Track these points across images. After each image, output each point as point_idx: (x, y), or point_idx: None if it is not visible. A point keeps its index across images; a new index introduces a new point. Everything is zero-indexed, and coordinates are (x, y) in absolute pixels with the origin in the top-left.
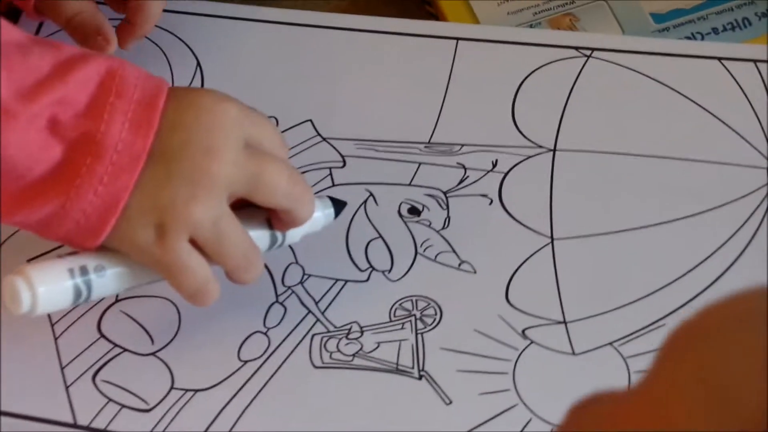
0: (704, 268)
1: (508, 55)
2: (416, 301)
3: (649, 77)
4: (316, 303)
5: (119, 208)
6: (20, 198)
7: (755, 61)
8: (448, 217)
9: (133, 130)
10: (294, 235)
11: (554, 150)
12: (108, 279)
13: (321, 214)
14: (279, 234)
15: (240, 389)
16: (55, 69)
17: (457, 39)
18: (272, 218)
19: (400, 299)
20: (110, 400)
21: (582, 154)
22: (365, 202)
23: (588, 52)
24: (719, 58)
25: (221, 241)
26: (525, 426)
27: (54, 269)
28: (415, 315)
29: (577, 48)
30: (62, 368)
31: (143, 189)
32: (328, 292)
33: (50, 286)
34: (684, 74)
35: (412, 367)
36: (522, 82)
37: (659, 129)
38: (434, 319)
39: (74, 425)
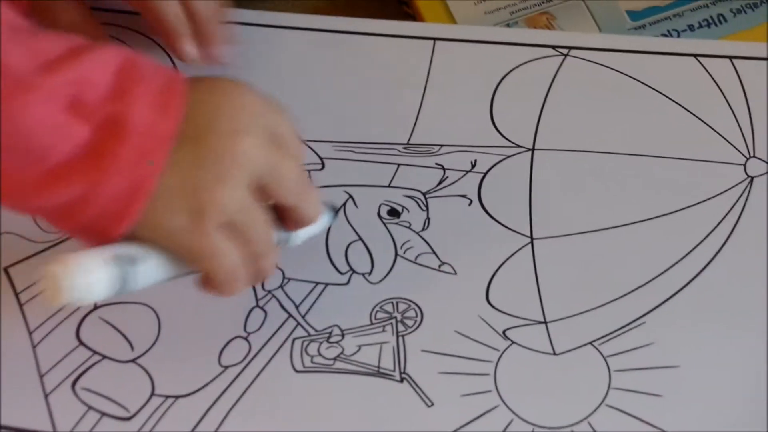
0: (683, 265)
1: (486, 55)
2: (397, 303)
3: (626, 75)
4: (297, 307)
5: (146, 192)
6: (42, 182)
7: (731, 58)
8: (428, 218)
9: (157, 113)
10: (298, 237)
11: (533, 149)
12: (144, 270)
13: (325, 217)
14: (285, 234)
15: (221, 395)
16: (69, 51)
17: (434, 39)
18: (282, 217)
19: (381, 302)
20: (90, 407)
21: (560, 153)
22: (345, 204)
23: (565, 51)
24: (695, 55)
25: (249, 225)
26: (507, 427)
27: (94, 258)
28: (396, 317)
29: (554, 47)
30: (41, 377)
31: (175, 172)
32: (308, 295)
33: (91, 276)
34: (661, 71)
35: (393, 370)
36: (500, 82)
37: (636, 127)
38: (415, 321)
39: None
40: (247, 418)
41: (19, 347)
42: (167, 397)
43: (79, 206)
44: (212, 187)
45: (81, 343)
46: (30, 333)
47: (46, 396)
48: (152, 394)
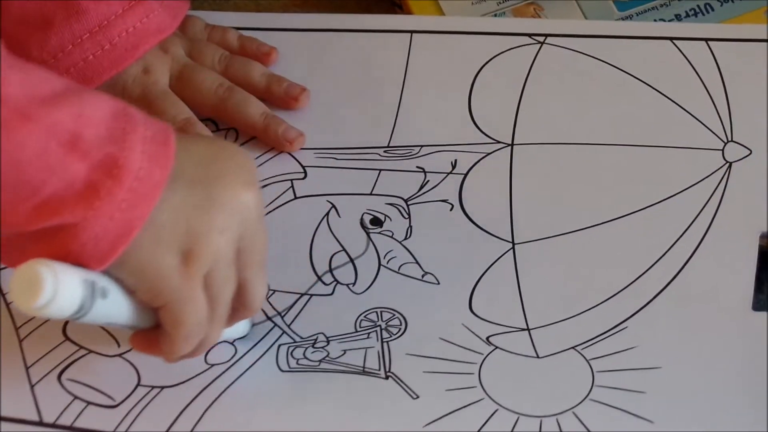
0: (664, 263)
1: (463, 46)
2: (381, 312)
3: (602, 61)
4: (282, 317)
5: (131, 237)
6: (31, 214)
7: (707, 40)
8: (410, 226)
9: (151, 160)
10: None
11: (512, 144)
12: (105, 306)
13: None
14: None
15: (207, 386)
16: (67, 89)
17: (411, 32)
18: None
19: (365, 311)
20: (76, 397)
21: (539, 147)
22: (327, 214)
23: (541, 39)
24: (671, 39)
25: (223, 284)
26: (491, 415)
27: (73, 274)
28: (380, 325)
29: (530, 35)
30: (27, 368)
31: (166, 211)
32: (293, 306)
33: (67, 289)
34: (636, 56)
35: (379, 369)
36: (477, 74)
37: (613, 114)
38: (399, 329)
39: (40, 423)
40: (233, 407)
41: (5, 341)
42: (153, 387)
43: (64, 239)
44: (209, 232)
45: (67, 338)
46: (17, 328)
47: (32, 387)
48: (138, 384)
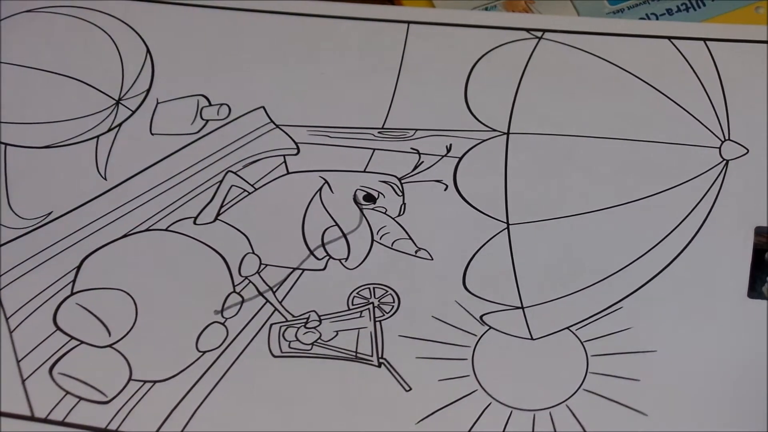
0: (659, 250)
1: (460, 38)
2: (374, 289)
3: (600, 57)
4: (274, 292)
5: None
6: None
7: (705, 40)
8: (404, 203)
9: None
10: None
11: (508, 133)
12: None
13: None
14: None
15: (199, 379)
16: None
17: (408, 22)
18: None
19: (358, 287)
20: (67, 392)
21: (535, 137)
22: (320, 189)
23: (539, 34)
24: (669, 38)
25: None
26: (484, 410)
27: None
28: (373, 303)
29: (527, 30)
30: (18, 362)
31: None
32: (285, 281)
33: None
34: (634, 54)
35: (371, 355)
36: (474, 65)
37: (611, 110)
38: (392, 307)
39: (31, 418)
40: (225, 402)
41: None
42: (145, 381)
43: None
44: None
45: (58, 328)
46: (6, 318)
47: (23, 381)
48: (130, 378)
